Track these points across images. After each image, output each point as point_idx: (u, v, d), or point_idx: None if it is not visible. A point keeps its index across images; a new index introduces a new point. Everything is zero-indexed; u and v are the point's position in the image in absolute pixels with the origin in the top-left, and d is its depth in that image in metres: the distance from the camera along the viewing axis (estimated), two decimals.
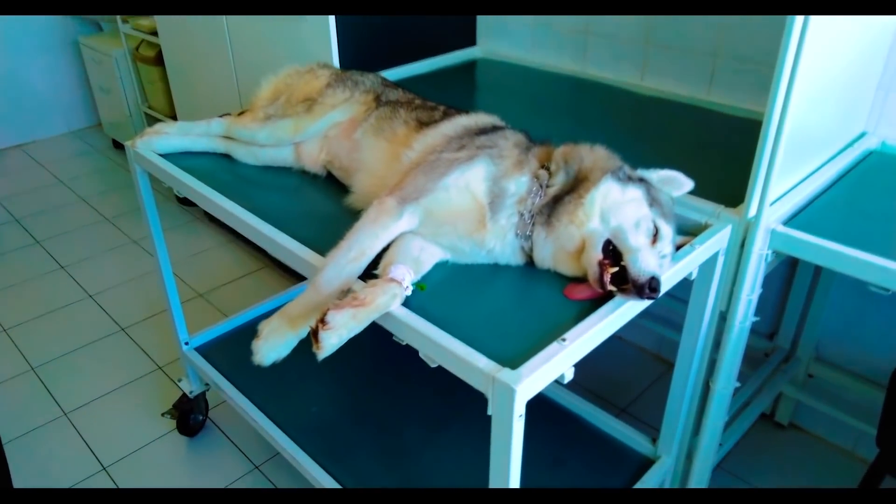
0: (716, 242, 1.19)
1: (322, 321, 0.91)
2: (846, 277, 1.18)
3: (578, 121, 1.81)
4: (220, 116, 1.58)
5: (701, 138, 1.69)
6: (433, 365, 0.97)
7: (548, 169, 1.13)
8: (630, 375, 2.16)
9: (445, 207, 1.09)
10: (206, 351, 1.87)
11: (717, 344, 1.37)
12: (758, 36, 1.70)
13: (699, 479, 1.51)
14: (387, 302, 0.97)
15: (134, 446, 1.94)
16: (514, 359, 0.90)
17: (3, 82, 3.85)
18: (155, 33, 3.07)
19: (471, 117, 1.26)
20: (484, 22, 2.31)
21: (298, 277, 2.62)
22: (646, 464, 1.51)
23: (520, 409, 0.87)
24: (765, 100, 1.69)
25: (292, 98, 1.44)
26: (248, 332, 1.92)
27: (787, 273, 1.81)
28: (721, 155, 1.57)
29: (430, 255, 1.11)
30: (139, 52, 3.32)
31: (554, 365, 0.90)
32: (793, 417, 1.97)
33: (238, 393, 1.71)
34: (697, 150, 1.61)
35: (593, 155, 1.13)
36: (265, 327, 1.02)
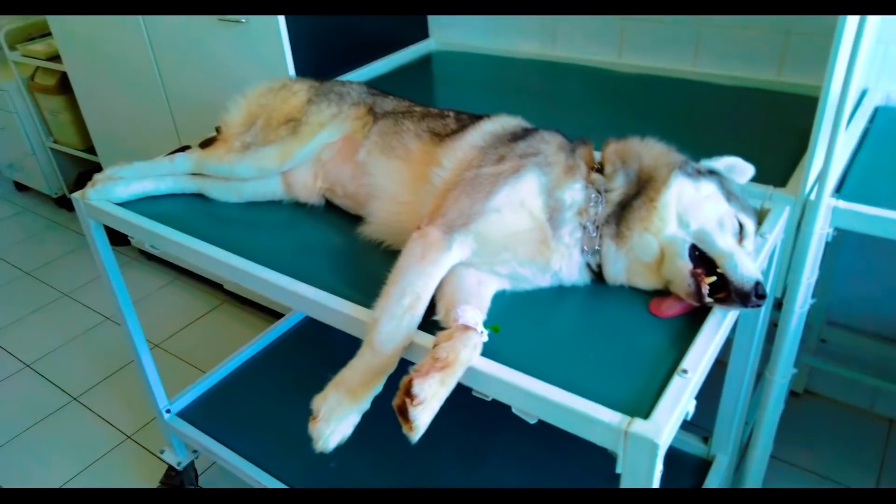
0: (780, 228, 1.10)
1: (409, 395, 0.75)
2: (855, 239, 1.11)
3: (558, 105, 1.70)
4: (180, 150, 1.36)
5: (703, 114, 1.60)
6: (532, 421, 0.83)
7: (601, 171, 1.00)
8: None
9: (501, 231, 0.94)
10: (189, 415, 1.64)
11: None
12: None
13: (756, 471, 1.44)
14: (469, 355, 0.82)
15: None
16: (636, 404, 0.77)
17: None
18: (53, 59, 2.74)
19: (494, 122, 1.11)
20: None
21: (261, 309, 2.40)
22: (702, 465, 1.42)
23: (660, 465, 0.74)
24: (754, 67, 1.67)
25: (272, 121, 1.24)
26: (232, 383, 1.73)
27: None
28: (732, 129, 1.49)
29: (488, 289, 0.96)
30: (35, 81, 2.95)
31: (683, 404, 0.77)
32: (807, 384, 1.95)
33: (241, 459, 1.50)
34: (705, 126, 1.53)
35: (651, 150, 1.01)
36: (321, 405, 0.85)
